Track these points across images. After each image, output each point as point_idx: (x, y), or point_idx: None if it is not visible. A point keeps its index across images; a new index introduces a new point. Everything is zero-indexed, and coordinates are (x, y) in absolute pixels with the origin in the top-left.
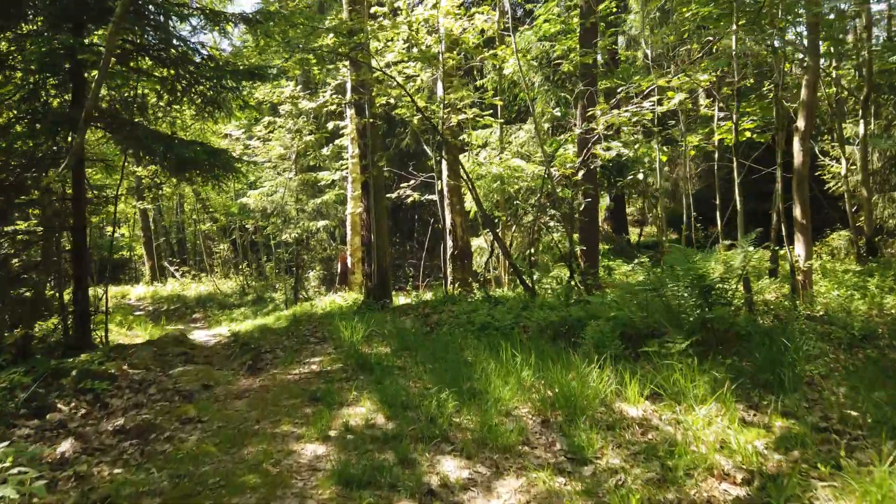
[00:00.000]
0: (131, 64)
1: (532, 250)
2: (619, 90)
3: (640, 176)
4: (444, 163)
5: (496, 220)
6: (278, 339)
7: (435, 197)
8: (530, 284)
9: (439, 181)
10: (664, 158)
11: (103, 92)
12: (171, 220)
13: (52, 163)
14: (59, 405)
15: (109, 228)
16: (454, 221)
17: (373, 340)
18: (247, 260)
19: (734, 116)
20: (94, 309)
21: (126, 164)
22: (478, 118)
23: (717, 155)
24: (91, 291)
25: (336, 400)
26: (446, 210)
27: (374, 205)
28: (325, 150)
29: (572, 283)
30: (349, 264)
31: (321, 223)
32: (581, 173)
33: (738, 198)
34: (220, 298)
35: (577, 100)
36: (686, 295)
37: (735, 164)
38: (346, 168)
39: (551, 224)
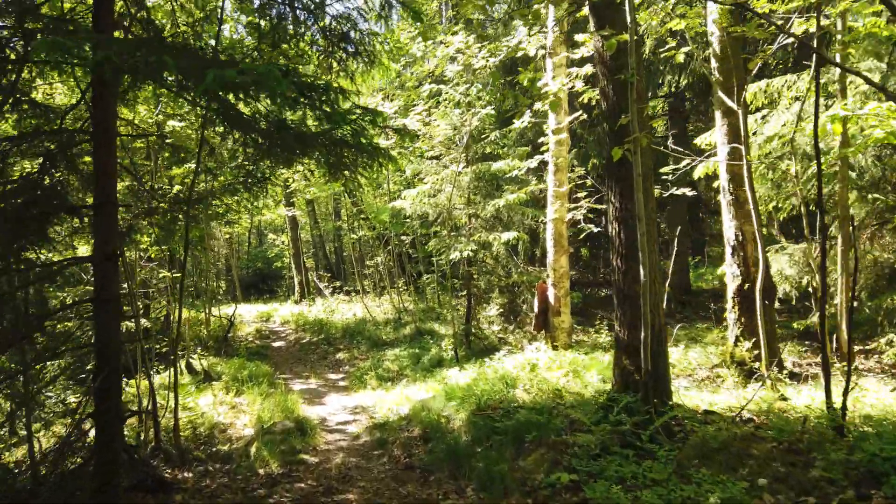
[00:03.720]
0: None
1: None
2: None
3: None
4: (722, 128)
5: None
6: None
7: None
8: None
9: (703, 166)
10: None
11: None
12: (326, 229)
13: None
14: None
15: (270, 237)
16: (741, 232)
17: None
18: (404, 275)
19: None
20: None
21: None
22: None
23: None
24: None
25: None
26: (726, 212)
27: (630, 207)
28: (522, 121)
29: None
30: (551, 298)
31: (507, 235)
32: None
33: None
34: (371, 330)
35: None
36: None
37: None
38: (547, 151)
39: None
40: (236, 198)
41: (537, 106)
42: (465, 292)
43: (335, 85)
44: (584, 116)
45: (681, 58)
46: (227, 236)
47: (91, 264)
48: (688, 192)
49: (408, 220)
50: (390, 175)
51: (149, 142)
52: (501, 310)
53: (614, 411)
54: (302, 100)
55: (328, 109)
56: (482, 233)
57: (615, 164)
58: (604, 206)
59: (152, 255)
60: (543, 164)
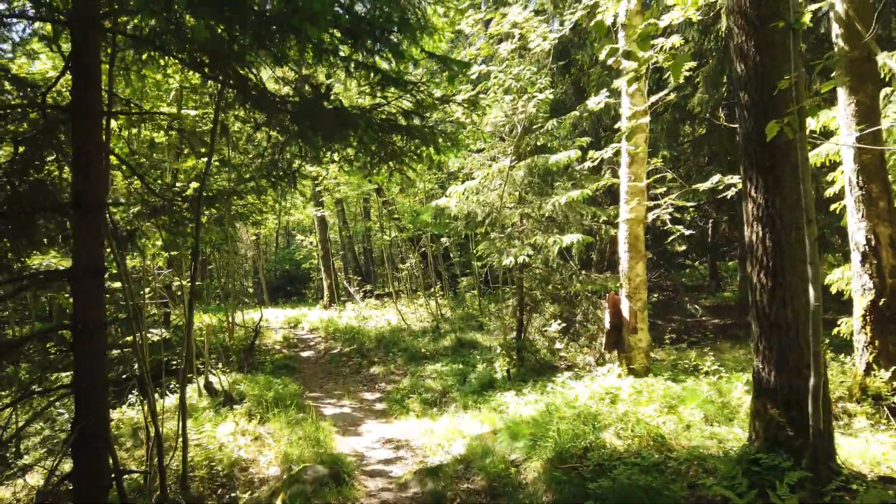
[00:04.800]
0: None
1: None
2: None
3: None
4: (848, 108)
5: None
6: None
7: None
8: None
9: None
10: None
11: None
12: (355, 230)
13: None
14: None
15: (299, 238)
16: (874, 235)
17: None
18: (440, 279)
19: None
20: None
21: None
22: None
23: None
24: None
25: None
26: (853, 210)
27: (779, 204)
28: (598, 101)
29: None
30: (625, 313)
31: (568, 238)
32: None
33: None
34: (408, 341)
35: None
36: None
37: None
38: (620, 139)
39: None
40: (262, 197)
41: (618, 83)
42: (511, 301)
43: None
44: (672, 96)
45: (807, 17)
46: (254, 237)
47: (68, 280)
48: None
49: (452, 222)
50: (425, 172)
51: (152, 125)
52: (562, 323)
53: (763, 477)
54: (351, 51)
55: (390, 57)
56: (538, 235)
57: (758, 146)
58: (691, 204)
59: (171, 258)
60: (605, 160)
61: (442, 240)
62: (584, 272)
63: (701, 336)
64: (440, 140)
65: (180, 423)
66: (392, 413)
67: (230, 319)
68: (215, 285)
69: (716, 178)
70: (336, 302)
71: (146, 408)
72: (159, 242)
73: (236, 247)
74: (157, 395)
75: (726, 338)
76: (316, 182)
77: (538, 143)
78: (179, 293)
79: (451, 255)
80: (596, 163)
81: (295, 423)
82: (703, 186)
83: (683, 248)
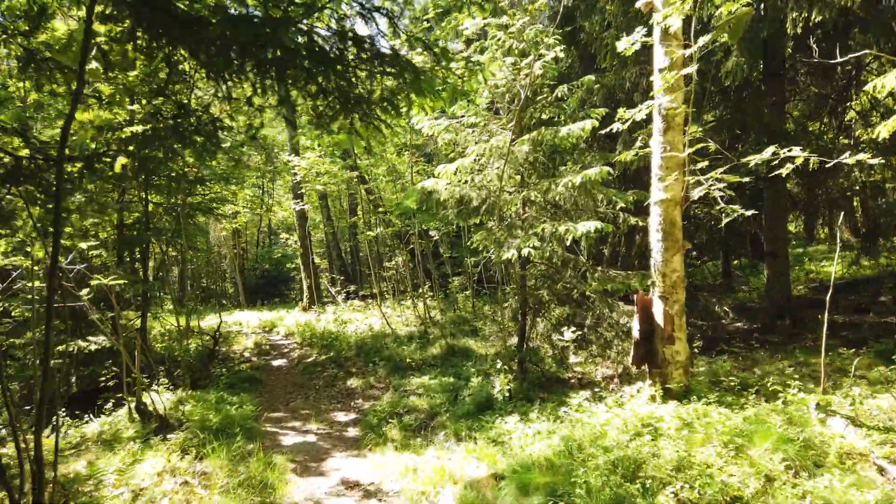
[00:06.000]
0: None
1: None
2: None
3: None
4: None
5: None
6: None
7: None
8: None
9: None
10: None
11: None
12: (340, 227)
13: None
14: None
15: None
16: None
17: None
18: (429, 279)
19: None
20: None
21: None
22: None
23: None
24: None
25: None
26: None
27: None
28: (632, 39)
29: None
30: (658, 318)
31: (584, 226)
32: None
33: None
34: (392, 348)
35: None
36: None
37: None
38: (653, 97)
39: None
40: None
41: (656, 18)
42: (511, 303)
43: None
44: (725, 36)
45: None
46: (225, 232)
47: None
48: (869, 160)
49: (441, 210)
50: (413, 161)
51: None
52: (576, 329)
53: None
54: None
55: None
56: (545, 223)
57: None
58: (747, 179)
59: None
60: (644, 119)
61: (431, 233)
62: (599, 268)
63: (741, 344)
64: (424, 82)
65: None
66: (366, 443)
67: (178, 324)
68: (170, 284)
69: (769, 150)
70: (316, 304)
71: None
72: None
73: (194, 241)
74: (64, 422)
75: (758, 345)
76: (294, 173)
77: (543, 117)
78: (131, 295)
79: (442, 251)
80: (627, 124)
81: (241, 458)
82: (754, 159)
83: (695, 241)
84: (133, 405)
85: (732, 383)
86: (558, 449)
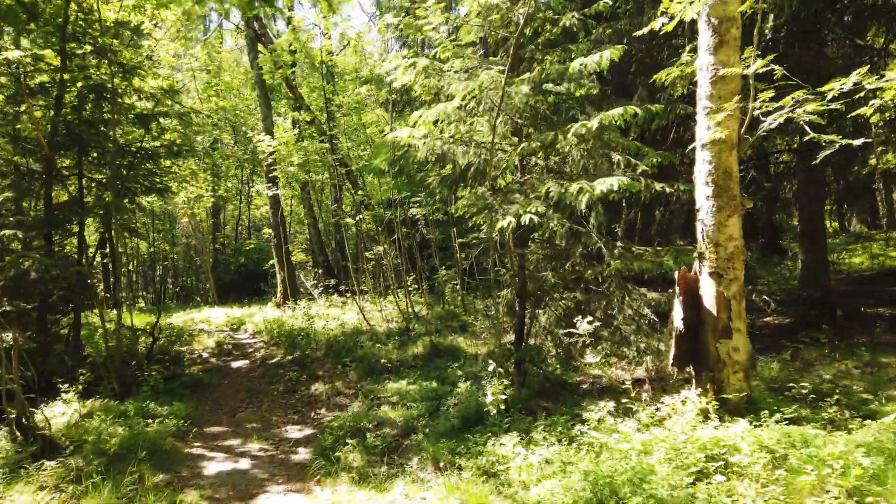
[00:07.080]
0: None
1: None
2: None
3: None
4: None
5: None
6: None
7: None
8: None
9: None
10: None
11: None
12: (322, 217)
13: None
14: None
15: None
16: None
17: None
18: (414, 270)
19: None
20: None
21: None
22: None
23: None
24: None
25: None
26: None
27: None
28: None
29: None
30: (708, 303)
31: (604, 184)
32: None
33: None
34: (367, 347)
35: None
36: None
37: None
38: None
39: None
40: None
41: None
42: (507, 292)
43: None
44: None
45: None
46: (186, 220)
47: None
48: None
49: (419, 173)
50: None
51: None
52: (592, 321)
53: None
54: None
55: None
56: (550, 183)
57: None
58: (834, 106)
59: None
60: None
61: (412, 212)
62: (619, 244)
63: (786, 341)
64: None
65: None
66: (313, 473)
67: (102, 317)
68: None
69: (853, 77)
70: (290, 299)
71: None
72: None
73: (132, 223)
74: None
75: (808, 342)
76: (266, 153)
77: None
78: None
79: (426, 233)
80: (673, 22)
81: (131, 499)
82: (837, 85)
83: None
84: (14, 421)
85: (804, 391)
86: (581, 493)
